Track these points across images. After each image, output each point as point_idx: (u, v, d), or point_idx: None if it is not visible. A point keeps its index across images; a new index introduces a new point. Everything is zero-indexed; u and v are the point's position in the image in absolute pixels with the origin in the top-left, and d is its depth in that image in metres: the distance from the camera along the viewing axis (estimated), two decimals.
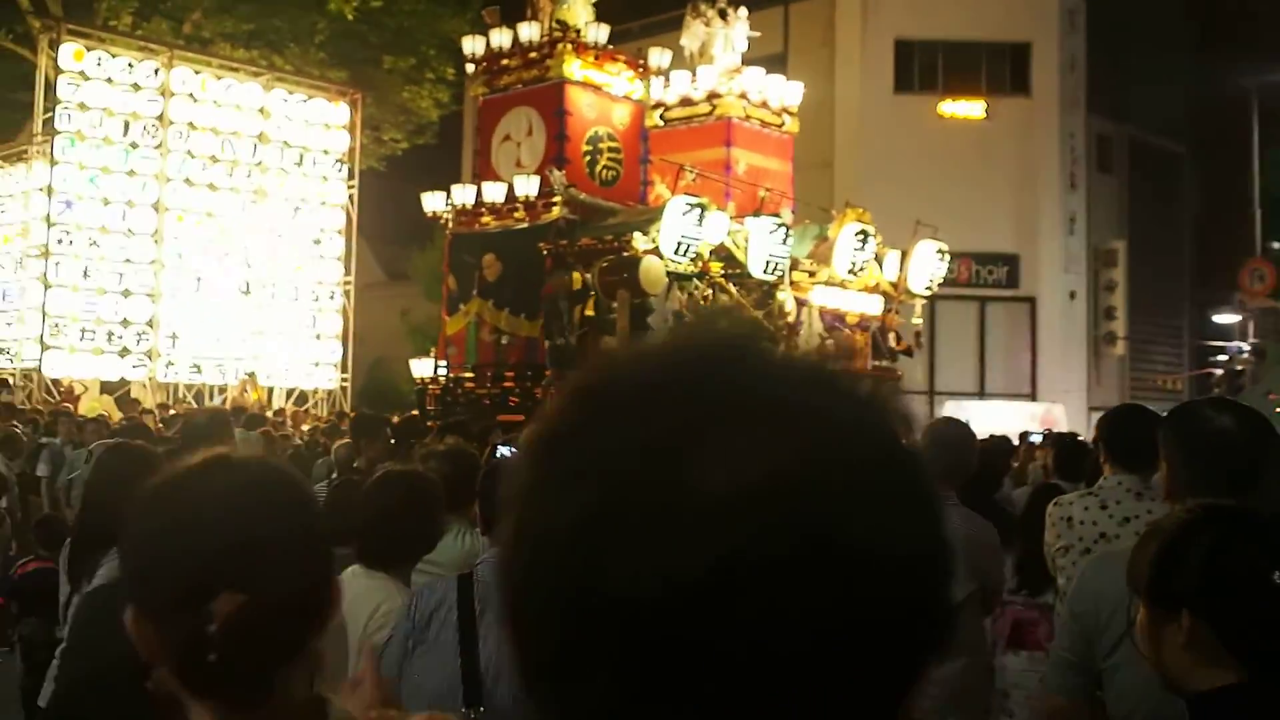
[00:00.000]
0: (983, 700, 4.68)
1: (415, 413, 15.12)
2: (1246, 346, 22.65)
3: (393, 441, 7.47)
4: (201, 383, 20.89)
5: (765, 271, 14.85)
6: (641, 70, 16.79)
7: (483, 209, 15.94)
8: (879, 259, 16.98)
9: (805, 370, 0.66)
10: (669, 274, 14.15)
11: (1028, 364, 25.34)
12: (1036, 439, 13.04)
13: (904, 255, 17.28)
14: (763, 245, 14.71)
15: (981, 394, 24.56)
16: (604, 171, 16.42)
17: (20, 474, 10.62)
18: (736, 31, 17.58)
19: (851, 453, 0.62)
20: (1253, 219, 24.40)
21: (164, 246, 20.18)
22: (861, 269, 16.45)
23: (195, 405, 19.42)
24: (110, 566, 3.19)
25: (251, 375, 19.39)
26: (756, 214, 14.98)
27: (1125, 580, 1.99)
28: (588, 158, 16.20)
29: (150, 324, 20.09)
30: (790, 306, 15.69)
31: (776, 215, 15.26)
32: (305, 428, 15.83)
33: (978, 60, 25.37)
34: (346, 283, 22.64)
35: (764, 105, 17.55)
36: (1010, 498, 7.49)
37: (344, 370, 22.71)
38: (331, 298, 22.41)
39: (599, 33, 15.98)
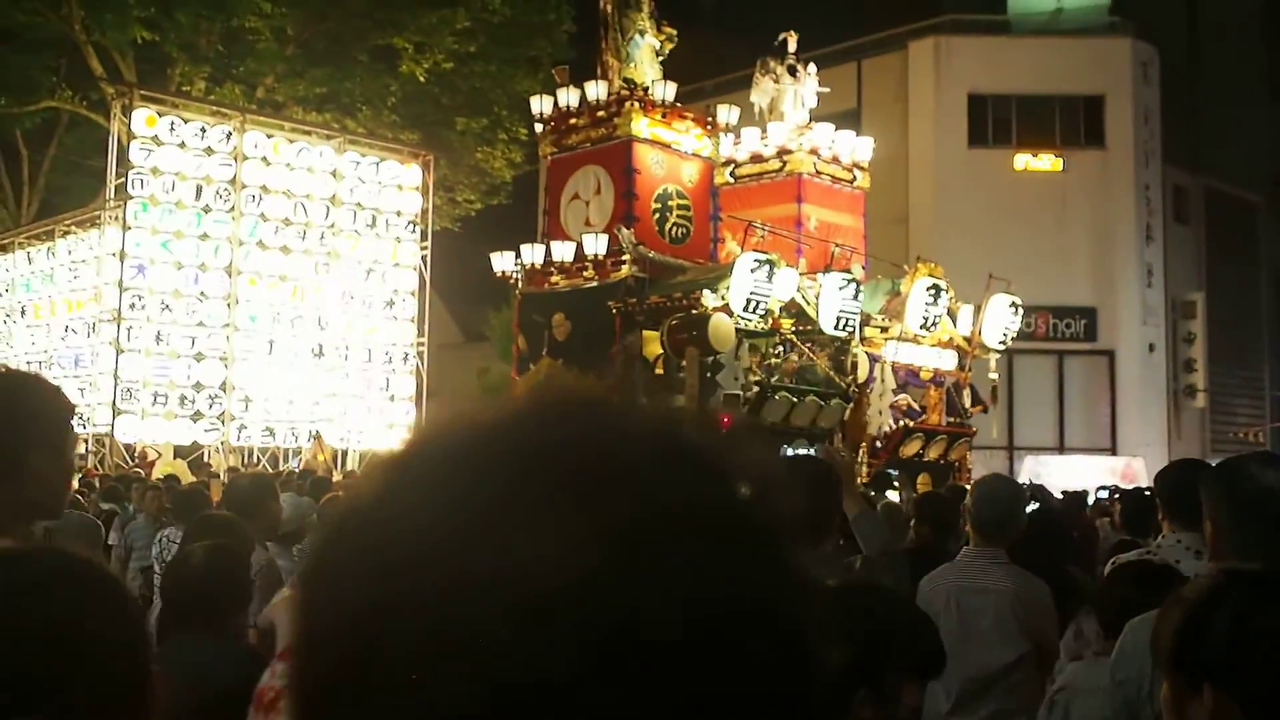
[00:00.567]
0: None
1: None
2: None
3: None
4: (274, 446, 21.01)
5: (837, 327, 14.68)
6: (710, 127, 16.80)
7: (552, 268, 15.96)
8: (952, 314, 16.75)
9: (646, 435, 0.55)
10: (739, 331, 14.04)
11: (1107, 418, 24.93)
12: (1103, 495, 12.56)
13: (977, 309, 17.02)
14: (833, 301, 14.55)
15: (1061, 449, 24.21)
16: (673, 229, 16.40)
17: None
18: (806, 88, 17.57)
19: (677, 533, 0.52)
20: None
21: (236, 310, 20.36)
22: (934, 324, 16.21)
23: (269, 469, 19.51)
24: None
25: (319, 436, 19.44)
26: (827, 270, 14.84)
27: None
28: (657, 215, 16.19)
29: (223, 388, 20.26)
30: (863, 362, 15.50)
31: (847, 271, 15.09)
32: None
33: (1051, 113, 25.26)
34: (420, 344, 22.73)
35: (835, 161, 17.48)
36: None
37: None
38: (405, 359, 22.48)
39: (666, 90, 16.03)
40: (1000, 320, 17.09)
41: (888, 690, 2.08)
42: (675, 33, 16.64)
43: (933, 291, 16.02)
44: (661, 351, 14.61)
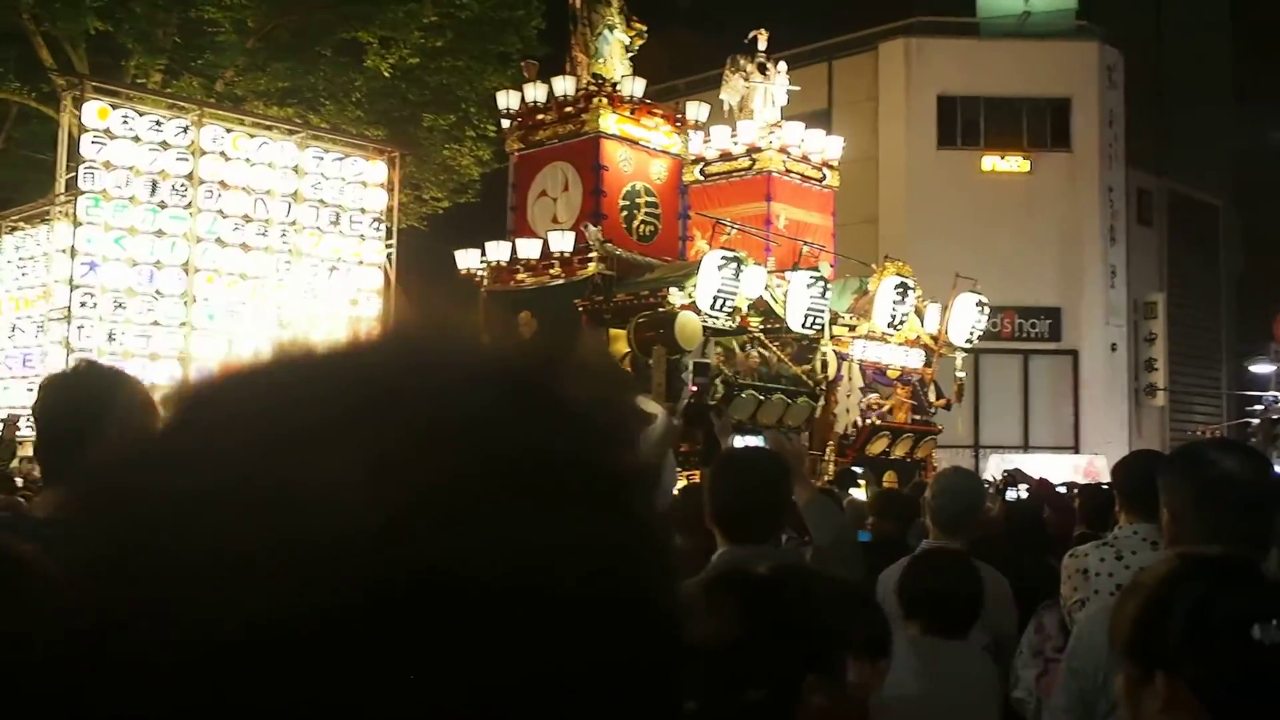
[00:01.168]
0: None
1: None
2: None
3: None
4: None
5: (804, 326, 14.62)
6: (679, 124, 16.69)
7: (518, 266, 15.81)
8: (919, 312, 16.77)
9: (488, 375, 0.54)
10: (706, 329, 13.95)
11: (1071, 416, 25.23)
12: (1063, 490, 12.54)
13: (944, 308, 17.04)
14: (801, 299, 14.50)
15: (1026, 447, 24.39)
16: (641, 227, 16.28)
17: None
18: (776, 86, 17.51)
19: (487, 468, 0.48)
20: None
21: (194, 309, 20.01)
22: (902, 322, 16.22)
23: None
24: None
25: None
26: (795, 268, 14.79)
27: None
28: (625, 213, 16.07)
29: None
30: (831, 360, 15.46)
31: (815, 269, 15.05)
32: None
33: (1019, 115, 25.47)
34: None
35: (804, 159, 17.43)
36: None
37: None
38: None
39: (635, 86, 15.90)
40: (967, 319, 17.12)
41: (836, 673, 2.00)
42: (645, 29, 16.51)
43: (900, 290, 16.03)
44: (629, 350, 14.48)
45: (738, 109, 17.35)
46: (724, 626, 1.90)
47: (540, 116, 16.24)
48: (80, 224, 19.00)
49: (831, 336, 15.43)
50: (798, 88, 17.90)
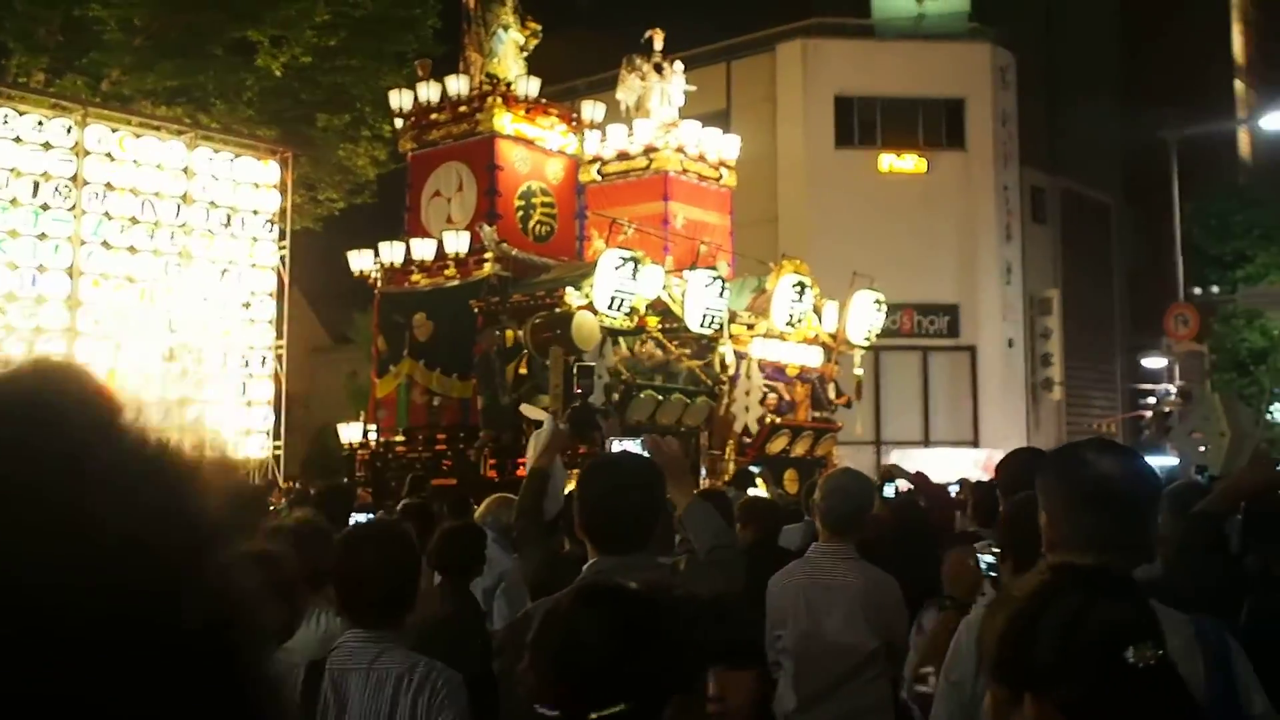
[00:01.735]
0: None
1: (345, 480, 14.60)
2: (1173, 389, 23.04)
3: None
4: None
5: (702, 325, 14.58)
6: (575, 124, 16.57)
7: (412, 267, 15.56)
8: (817, 310, 16.83)
9: None
10: (604, 329, 13.84)
11: (970, 412, 25.64)
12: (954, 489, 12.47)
13: (842, 306, 17.12)
14: (699, 298, 14.46)
15: (926, 443, 24.67)
16: (538, 227, 16.13)
17: None
18: (673, 85, 17.44)
19: None
20: (1177, 266, 25.07)
21: (79, 314, 19.40)
22: (799, 320, 16.27)
23: None
24: None
25: None
26: (693, 267, 14.74)
27: None
28: (521, 213, 15.90)
29: None
30: (730, 359, 15.43)
31: (713, 268, 15.01)
32: None
33: (915, 115, 25.80)
34: (279, 347, 22.00)
35: (701, 159, 17.40)
36: None
37: (276, 438, 22.02)
38: (263, 363, 21.73)
39: (530, 86, 15.74)
40: (864, 317, 17.23)
41: (697, 690, 1.90)
42: (540, 28, 16.36)
43: (798, 288, 16.07)
44: (526, 350, 14.31)
45: (634, 109, 17.27)
46: (584, 642, 1.83)
47: (434, 116, 16.02)
48: None
49: (730, 335, 15.40)
50: (694, 87, 17.86)
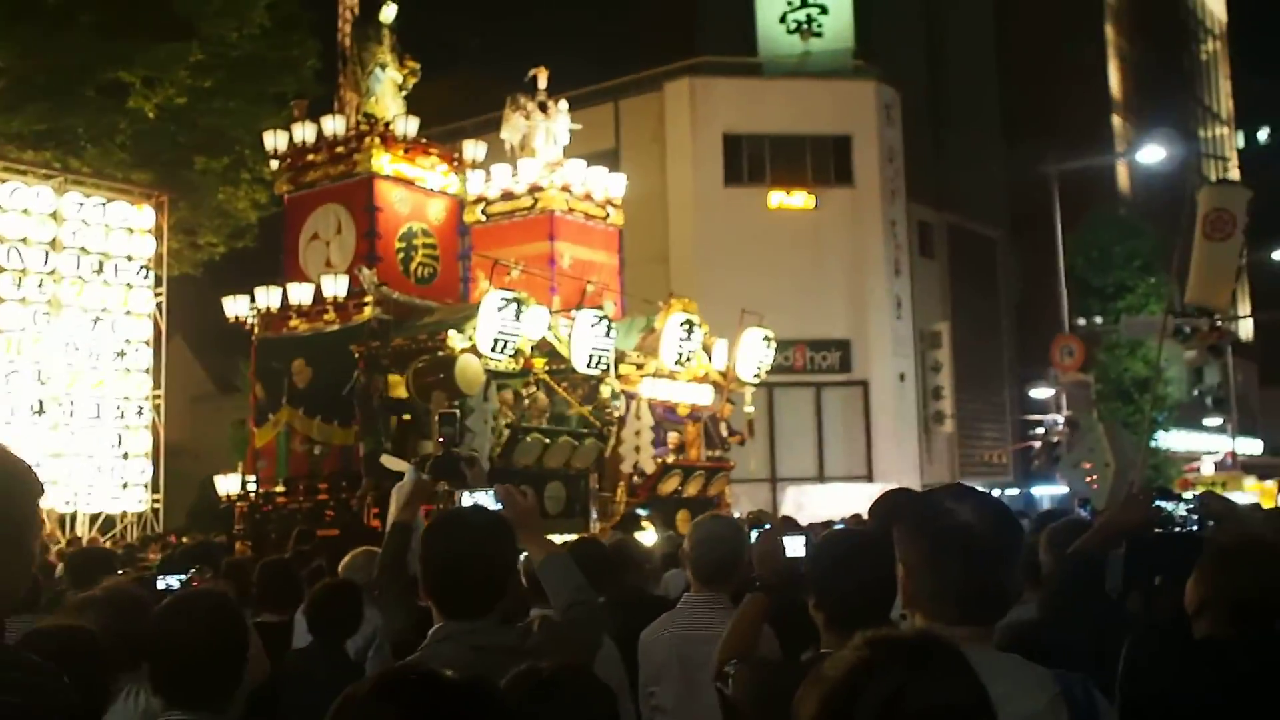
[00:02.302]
0: None
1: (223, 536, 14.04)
2: (1060, 419, 23.43)
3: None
4: None
5: (589, 365, 14.33)
6: (456, 164, 16.30)
7: (291, 312, 15.10)
8: (706, 349, 16.70)
9: None
10: (488, 372, 13.53)
11: (864, 446, 25.76)
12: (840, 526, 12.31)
13: (732, 344, 17.03)
14: (585, 339, 14.21)
15: (821, 478, 24.69)
16: (420, 269, 15.78)
17: None
18: (558, 124, 17.27)
19: None
20: (1061, 298, 25.62)
21: None
22: (689, 359, 16.11)
23: None
24: None
25: None
26: (579, 307, 14.52)
27: None
28: (401, 255, 15.55)
29: None
30: (618, 400, 15.21)
31: (599, 308, 14.80)
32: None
33: (803, 152, 26.01)
34: (156, 396, 21.27)
35: (588, 198, 17.22)
36: None
37: (155, 490, 21.24)
38: (140, 413, 20.98)
39: (409, 125, 15.44)
40: (754, 354, 17.14)
41: None
42: (419, 66, 16.10)
43: (686, 327, 15.92)
44: (409, 395, 13.93)
45: (519, 147, 17.05)
46: None
47: (310, 157, 15.63)
48: None
49: (618, 375, 15.19)
50: (579, 125, 17.71)
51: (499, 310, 13.27)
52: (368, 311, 14.42)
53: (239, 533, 15.11)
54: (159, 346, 21.41)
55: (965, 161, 30.41)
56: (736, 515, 11.93)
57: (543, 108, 17.16)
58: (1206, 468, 30.06)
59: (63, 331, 19.90)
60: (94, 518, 20.35)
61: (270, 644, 4.23)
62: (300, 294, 14.89)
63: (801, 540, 3.68)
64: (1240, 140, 54.05)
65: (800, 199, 25.75)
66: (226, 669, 2.93)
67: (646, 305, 17.04)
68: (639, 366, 15.82)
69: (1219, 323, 17.79)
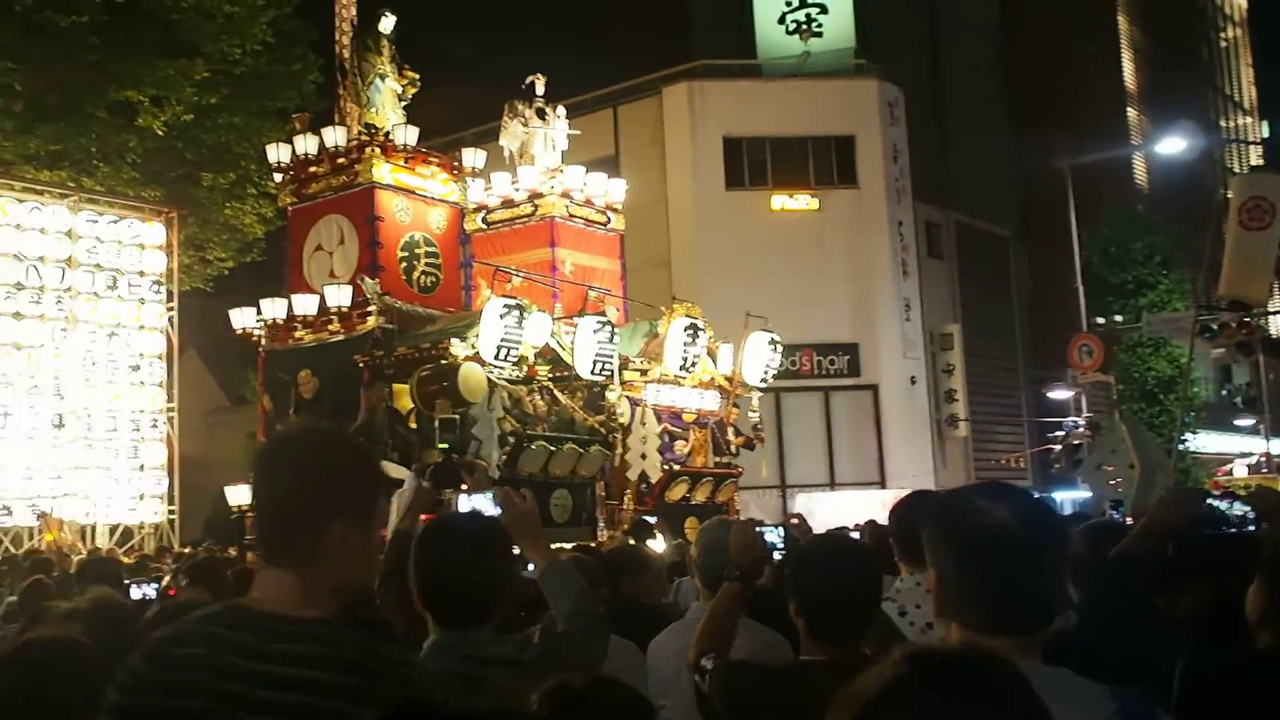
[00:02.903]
0: None
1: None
2: (1081, 421, 23.12)
3: None
4: (14, 525, 19.47)
5: (593, 372, 14.42)
6: (456, 172, 16.41)
7: (296, 323, 15.24)
8: (711, 353, 16.72)
9: None
10: (491, 380, 13.63)
11: (875, 451, 25.46)
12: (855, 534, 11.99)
13: (737, 348, 17.04)
14: (588, 345, 14.30)
15: (832, 484, 24.52)
16: (422, 278, 15.90)
17: None
18: (557, 130, 17.37)
19: None
20: (1078, 296, 25.27)
21: None
22: (693, 364, 16.14)
23: (12, 549, 18.06)
24: None
25: (45, 515, 18.03)
26: (582, 314, 14.60)
27: None
28: (404, 264, 15.68)
29: None
30: (623, 407, 15.27)
31: (602, 314, 14.88)
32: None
33: (804, 154, 25.83)
34: (170, 409, 21.50)
35: (588, 203, 17.31)
36: None
37: (171, 502, 21.45)
38: (155, 426, 21.22)
39: (409, 135, 15.57)
40: (760, 358, 17.11)
41: None
42: (418, 76, 16.23)
43: (690, 331, 15.93)
44: (414, 405, 14.04)
45: (518, 155, 17.16)
46: None
47: (312, 169, 15.79)
48: None
49: (623, 382, 15.25)
50: (578, 131, 17.80)
51: (501, 317, 13.38)
52: (371, 321, 14.53)
53: (249, 544, 15.24)
54: (172, 360, 21.65)
55: (972, 159, 30.17)
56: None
57: (541, 114, 17.26)
58: (1239, 470, 29.07)
59: (79, 346, 20.18)
60: (113, 529, 20.58)
61: None
62: (305, 305, 15.04)
63: (780, 531, 3.63)
64: (1265, 129, 53.19)
65: (803, 201, 25.61)
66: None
67: (649, 310, 17.07)
68: (643, 372, 15.86)
69: (1248, 319, 17.27)
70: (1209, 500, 3.53)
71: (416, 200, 15.93)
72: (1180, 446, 22.72)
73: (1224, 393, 38.29)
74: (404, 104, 16.10)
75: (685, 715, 4.11)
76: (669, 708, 4.13)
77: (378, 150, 15.28)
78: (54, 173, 22.23)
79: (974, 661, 1.30)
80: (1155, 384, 26.98)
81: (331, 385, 14.81)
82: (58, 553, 14.27)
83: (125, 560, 15.83)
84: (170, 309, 21.56)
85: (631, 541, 8.95)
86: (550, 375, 14.66)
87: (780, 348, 17.50)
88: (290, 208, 16.30)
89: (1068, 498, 27.35)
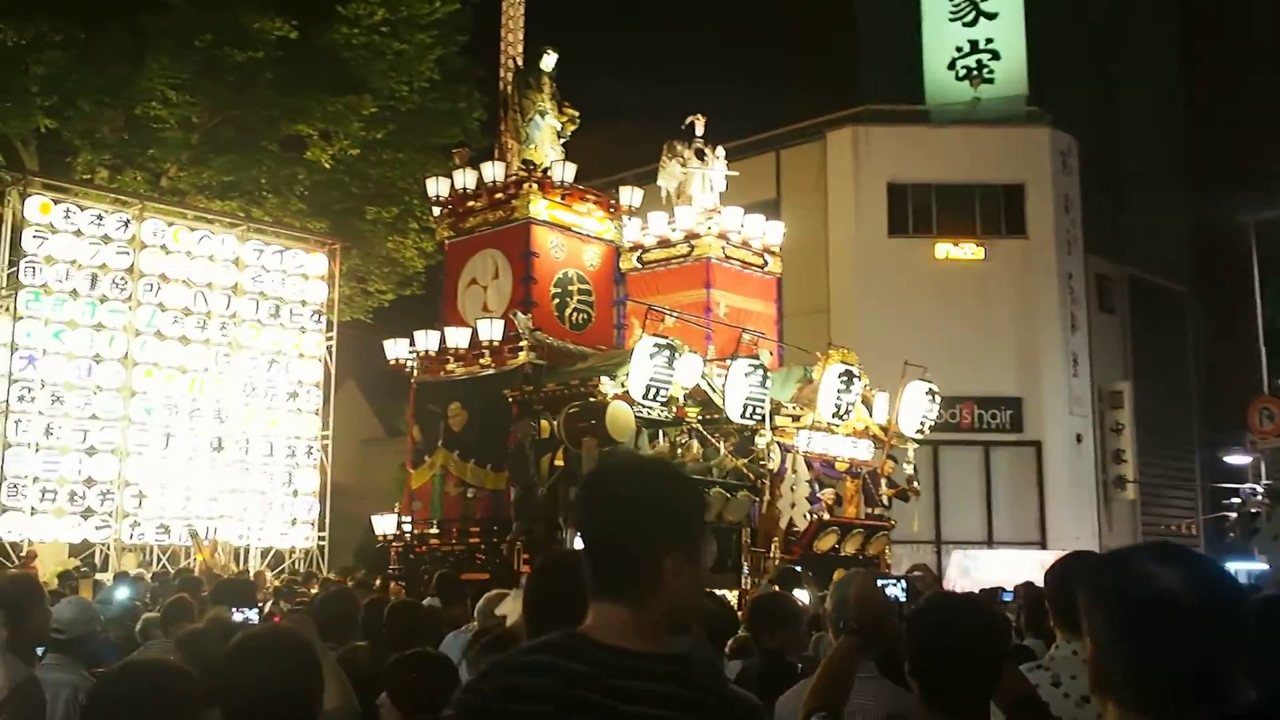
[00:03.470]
0: None
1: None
2: (1260, 488, 21.88)
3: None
4: (172, 544, 20.03)
5: (743, 415, 14.02)
6: (612, 210, 16.33)
7: (448, 356, 15.30)
8: (867, 402, 16.14)
9: None
10: (639, 419, 13.38)
11: (1036, 510, 24.48)
12: (1008, 597, 10.89)
13: (893, 397, 16.45)
14: (740, 388, 13.91)
15: (990, 542, 23.63)
16: (574, 315, 15.81)
17: None
18: (715, 171, 17.17)
19: None
20: (1258, 357, 23.90)
21: (132, 402, 19.54)
22: (848, 412, 15.58)
23: (169, 569, 18.55)
24: None
25: (195, 535, 18.43)
26: (734, 356, 14.26)
27: None
28: (556, 300, 15.62)
29: (116, 483, 19.30)
30: (774, 452, 14.82)
31: (755, 357, 14.51)
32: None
33: (971, 202, 25.19)
34: (324, 437, 21.91)
35: (745, 245, 17.02)
36: None
37: (321, 528, 21.82)
38: (309, 453, 21.64)
39: (566, 171, 15.56)
40: (917, 408, 16.47)
41: None
42: (578, 114, 16.25)
43: (845, 378, 15.39)
44: (561, 442, 13.88)
45: (676, 195, 17.00)
46: None
47: (470, 203, 15.89)
48: (21, 318, 18.68)
49: (774, 427, 14.81)
50: (736, 172, 17.55)
51: (651, 356, 13.14)
52: (522, 356, 14.50)
53: (393, 573, 15.27)
54: (328, 389, 22.08)
55: (1146, 210, 28.96)
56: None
57: (700, 155, 17.10)
58: None
59: (240, 372, 20.71)
60: (265, 552, 21.00)
61: None
62: (457, 338, 15.08)
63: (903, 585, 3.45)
64: None
65: (968, 250, 24.91)
66: (296, 708, 2.80)
67: (804, 355, 16.62)
68: (795, 418, 15.41)
69: None
70: None
71: (571, 237, 15.88)
72: None
73: None
74: (563, 141, 16.14)
75: None
76: None
77: (535, 186, 15.30)
78: (225, 203, 23.03)
79: None
80: None
81: (480, 418, 14.79)
82: (208, 573, 14.54)
83: (276, 584, 16.09)
84: (330, 339, 22.01)
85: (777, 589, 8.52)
86: (700, 417, 14.34)
87: (939, 399, 16.82)
88: (447, 241, 16.45)
89: (1242, 569, 25.99)
